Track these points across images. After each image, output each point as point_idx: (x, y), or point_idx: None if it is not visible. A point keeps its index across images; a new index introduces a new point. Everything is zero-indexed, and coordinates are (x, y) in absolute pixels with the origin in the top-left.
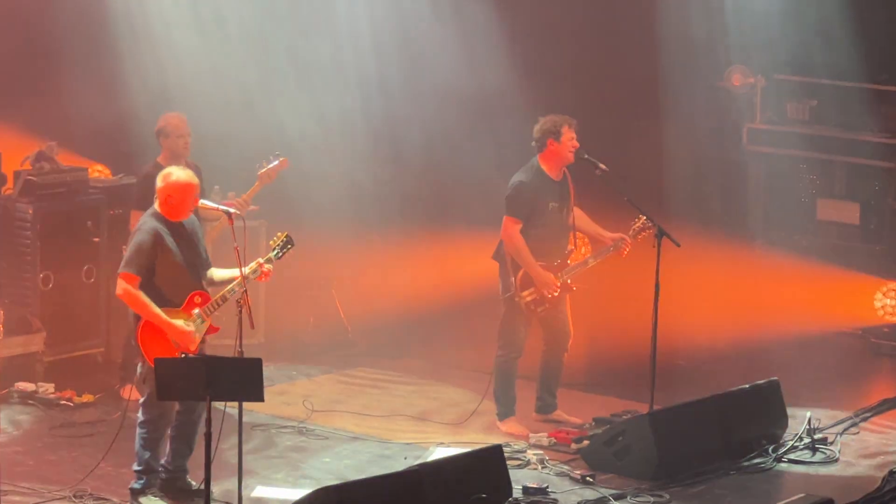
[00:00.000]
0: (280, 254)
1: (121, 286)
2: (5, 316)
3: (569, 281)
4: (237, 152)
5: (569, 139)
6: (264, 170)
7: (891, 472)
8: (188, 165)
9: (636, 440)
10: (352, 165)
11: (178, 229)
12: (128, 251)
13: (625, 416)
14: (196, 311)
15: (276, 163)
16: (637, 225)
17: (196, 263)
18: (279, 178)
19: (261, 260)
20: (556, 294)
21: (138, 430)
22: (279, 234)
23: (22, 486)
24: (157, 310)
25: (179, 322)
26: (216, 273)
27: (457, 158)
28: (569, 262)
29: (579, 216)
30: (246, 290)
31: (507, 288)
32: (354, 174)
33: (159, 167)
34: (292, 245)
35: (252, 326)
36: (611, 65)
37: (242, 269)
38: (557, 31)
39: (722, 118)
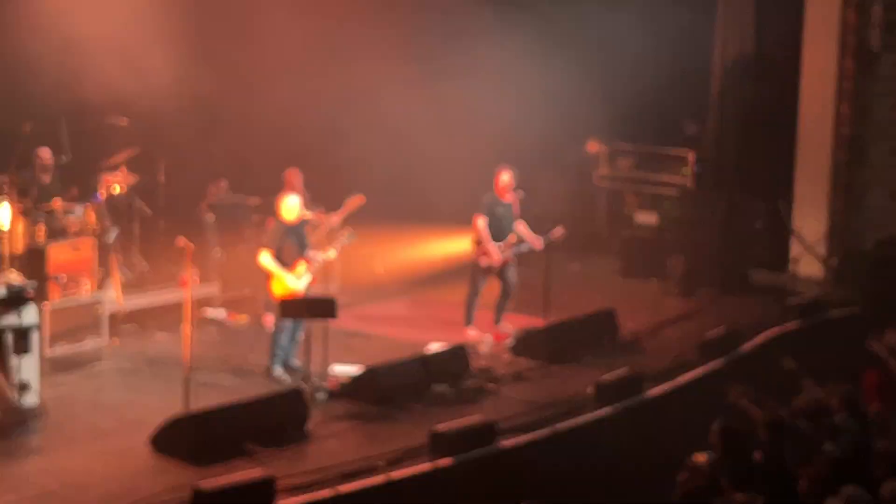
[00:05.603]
0: (347, 241)
1: (261, 256)
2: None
3: (511, 254)
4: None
5: (500, 181)
6: (349, 200)
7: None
8: None
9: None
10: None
11: (292, 228)
12: (266, 237)
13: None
14: (302, 269)
15: (353, 198)
16: (551, 234)
17: (301, 247)
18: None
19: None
20: (499, 260)
21: (273, 333)
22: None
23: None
24: (280, 269)
25: (291, 276)
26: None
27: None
28: (511, 243)
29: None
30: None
31: (475, 258)
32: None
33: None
34: (353, 237)
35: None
36: (520, 123)
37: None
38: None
39: (583, 168)
